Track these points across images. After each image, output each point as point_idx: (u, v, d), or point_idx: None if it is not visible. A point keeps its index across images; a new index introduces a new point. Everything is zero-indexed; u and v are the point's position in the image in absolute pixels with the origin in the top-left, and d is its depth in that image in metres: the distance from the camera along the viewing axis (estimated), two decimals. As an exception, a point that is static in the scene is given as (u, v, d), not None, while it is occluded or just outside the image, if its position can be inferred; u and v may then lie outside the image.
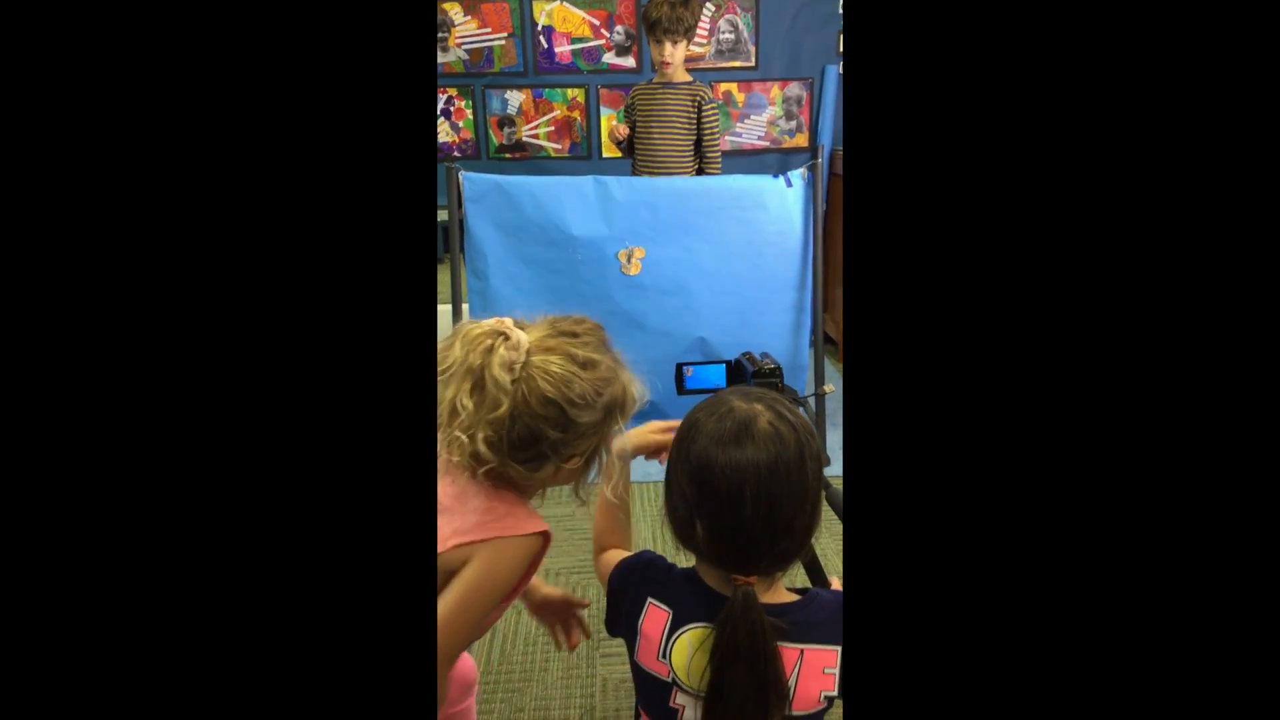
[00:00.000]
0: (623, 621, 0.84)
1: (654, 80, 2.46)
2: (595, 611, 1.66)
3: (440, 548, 0.81)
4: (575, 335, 0.84)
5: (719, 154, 2.49)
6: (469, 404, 0.79)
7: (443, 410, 0.80)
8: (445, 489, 0.83)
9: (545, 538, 0.84)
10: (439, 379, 0.80)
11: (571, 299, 2.35)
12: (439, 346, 0.81)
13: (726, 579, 0.74)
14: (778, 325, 2.41)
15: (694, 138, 2.45)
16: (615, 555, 0.91)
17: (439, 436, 0.81)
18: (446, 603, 0.80)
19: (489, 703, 1.48)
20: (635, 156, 2.51)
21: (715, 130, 2.45)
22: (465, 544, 0.80)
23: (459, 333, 0.82)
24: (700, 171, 2.48)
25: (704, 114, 2.41)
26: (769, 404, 0.74)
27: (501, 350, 0.79)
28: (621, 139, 2.49)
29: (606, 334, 0.88)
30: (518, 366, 0.79)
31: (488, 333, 0.80)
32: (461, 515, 0.82)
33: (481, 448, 0.79)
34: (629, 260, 2.33)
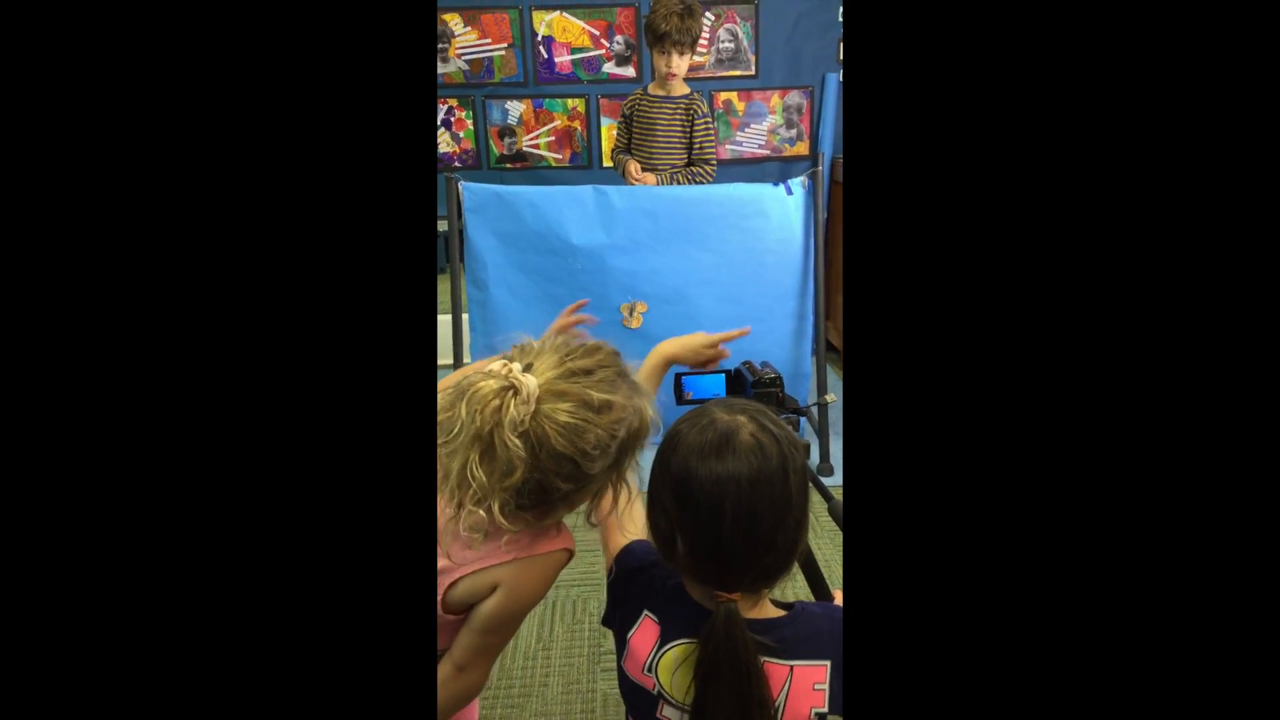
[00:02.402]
0: (617, 621, 0.82)
1: (650, 89, 2.45)
2: (594, 610, 1.64)
3: (463, 571, 0.81)
4: (589, 373, 0.76)
5: (712, 166, 2.46)
6: (481, 475, 0.72)
7: (451, 479, 0.73)
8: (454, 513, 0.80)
9: (569, 553, 0.85)
10: (442, 448, 0.72)
11: (571, 308, 2.34)
12: (439, 404, 0.74)
13: (710, 594, 0.73)
14: (779, 334, 2.41)
15: (686, 150, 2.44)
16: (628, 536, 0.87)
17: (447, 504, 0.76)
18: (473, 634, 0.81)
19: (488, 717, 1.46)
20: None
21: (707, 144, 2.44)
22: (491, 566, 0.80)
23: (462, 392, 0.73)
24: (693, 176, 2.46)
25: (695, 126, 2.40)
26: (752, 415, 0.73)
27: (512, 409, 0.71)
28: (634, 180, 2.43)
29: (621, 359, 0.81)
30: (527, 419, 0.72)
31: (495, 391, 0.72)
32: (483, 542, 0.80)
33: (499, 518, 0.73)
34: (631, 314, 2.33)
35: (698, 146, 2.42)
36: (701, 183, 2.43)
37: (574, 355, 0.77)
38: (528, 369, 0.75)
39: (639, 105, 2.45)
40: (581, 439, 0.73)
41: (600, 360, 0.78)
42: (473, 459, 0.72)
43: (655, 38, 2.30)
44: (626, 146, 2.51)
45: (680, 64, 2.31)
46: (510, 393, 0.72)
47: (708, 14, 3.01)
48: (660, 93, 2.41)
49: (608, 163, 3.16)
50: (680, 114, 2.40)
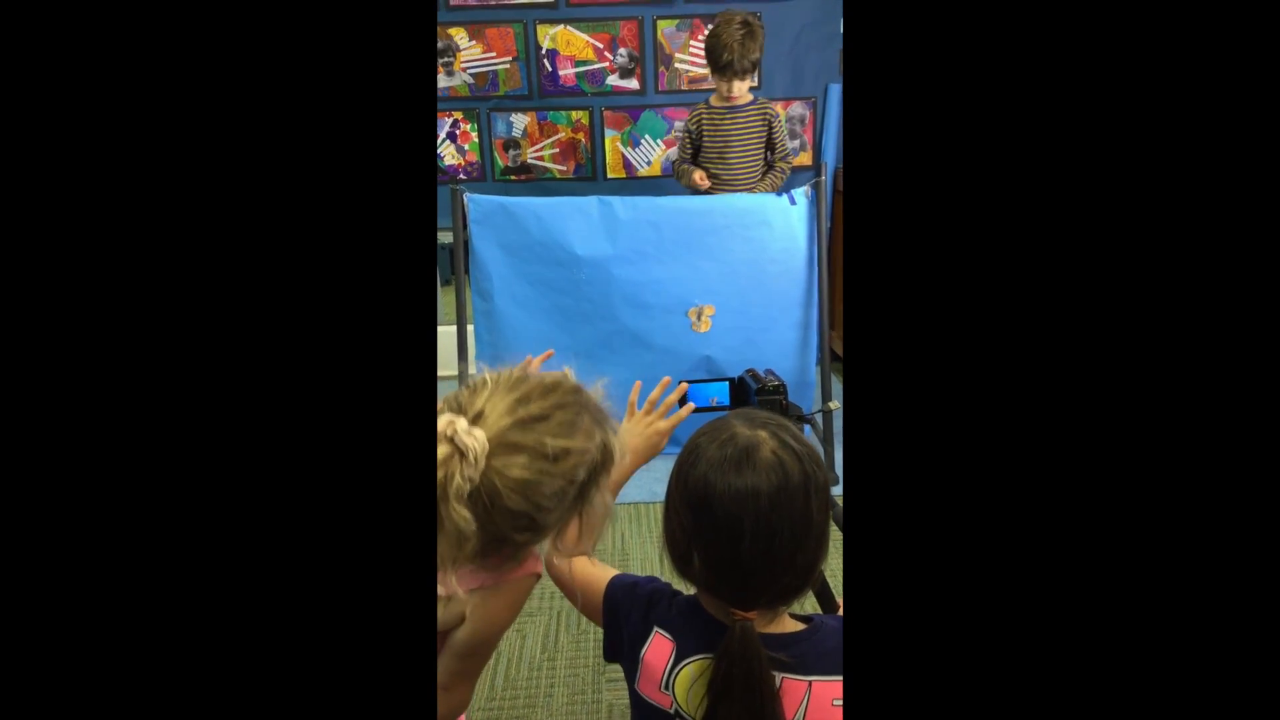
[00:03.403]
0: (624, 646, 0.81)
1: (712, 101, 2.46)
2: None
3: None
4: (545, 419, 0.71)
5: (790, 159, 2.51)
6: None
7: None
8: None
9: (536, 577, 0.82)
10: None
11: (576, 318, 2.35)
12: None
13: (727, 609, 0.72)
14: (784, 343, 2.41)
15: (765, 153, 2.47)
16: (604, 574, 0.85)
17: None
18: (451, 658, 0.80)
19: (493, 729, 1.45)
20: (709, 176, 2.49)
21: (786, 141, 2.50)
22: (456, 595, 0.77)
23: None
24: (770, 174, 2.49)
25: (774, 130, 2.44)
26: (773, 430, 0.72)
27: (458, 478, 0.66)
28: (704, 188, 2.45)
29: (583, 392, 0.76)
30: (477, 476, 0.67)
31: (440, 461, 0.66)
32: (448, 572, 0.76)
33: (454, 584, 0.68)
34: (699, 318, 2.34)
35: (780, 148, 2.46)
36: (782, 181, 2.47)
37: (528, 399, 0.71)
38: (477, 418, 0.70)
39: (707, 118, 2.45)
40: (536, 492, 0.69)
41: (557, 400, 0.73)
42: None
43: (718, 66, 2.31)
44: (692, 159, 2.52)
45: (741, 87, 2.35)
46: (456, 458, 0.66)
47: (709, 26, 3.03)
48: (725, 104, 2.42)
49: (612, 174, 3.18)
50: (757, 120, 2.42)
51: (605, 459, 0.76)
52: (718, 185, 2.47)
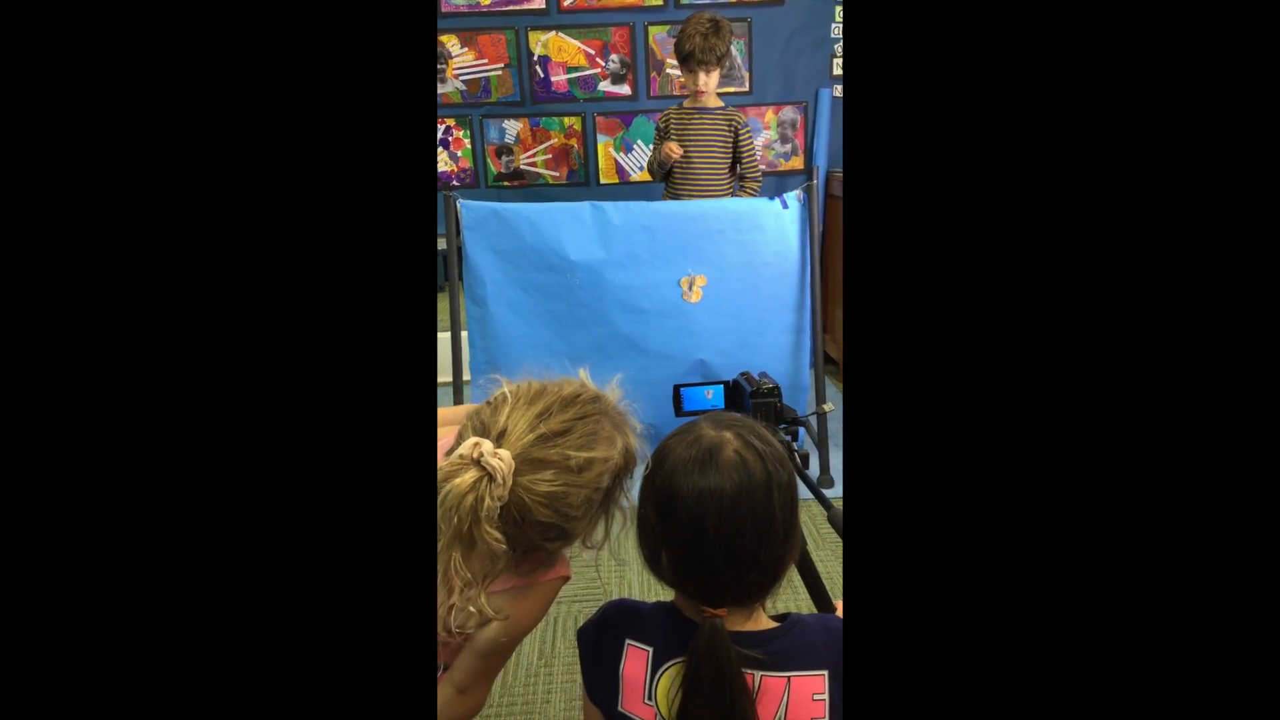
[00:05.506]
0: (605, 674, 0.79)
1: (685, 105, 2.50)
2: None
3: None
4: (568, 432, 0.73)
5: (760, 174, 2.53)
6: (466, 572, 0.71)
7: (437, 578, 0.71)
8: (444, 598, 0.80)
9: (565, 579, 0.85)
10: None
11: (570, 323, 2.35)
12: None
13: (698, 608, 0.73)
14: (777, 346, 2.41)
15: (729, 161, 2.49)
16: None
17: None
18: (472, 657, 0.82)
19: (491, 736, 1.45)
20: (672, 181, 2.52)
21: (754, 153, 2.51)
22: (489, 594, 0.80)
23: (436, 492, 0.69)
24: (739, 192, 2.51)
25: (740, 138, 2.46)
26: (738, 431, 0.73)
27: (488, 500, 0.69)
28: (676, 157, 2.42)
29: (602, 399, 0.78)
30: (506, 495, 0.70)
31: (469, 485, 0.68)
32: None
33: (485, 605, 0.72)
34: (690, 288, 2.35)
35: (747, 160, 2.48)
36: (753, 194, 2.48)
37: (549, 415, 0.74)
38: (501, 436, 0.72)
39: (675, 119, 2.49)
40: (564, 504, 0.72)
41: (578, 412, 0.75)
42: (455, 559, 0.70)
43: (681, 57, 2.36)
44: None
45: (708, 81, 2.38)
46: (485, 481, 0.69)
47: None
48: (694, 105, 2.46)
49: (605, 179, 3.18)
50: (721, 125, 2.45)
51: (627, 462, 0.79)
52: (679, 187, 2.49)
